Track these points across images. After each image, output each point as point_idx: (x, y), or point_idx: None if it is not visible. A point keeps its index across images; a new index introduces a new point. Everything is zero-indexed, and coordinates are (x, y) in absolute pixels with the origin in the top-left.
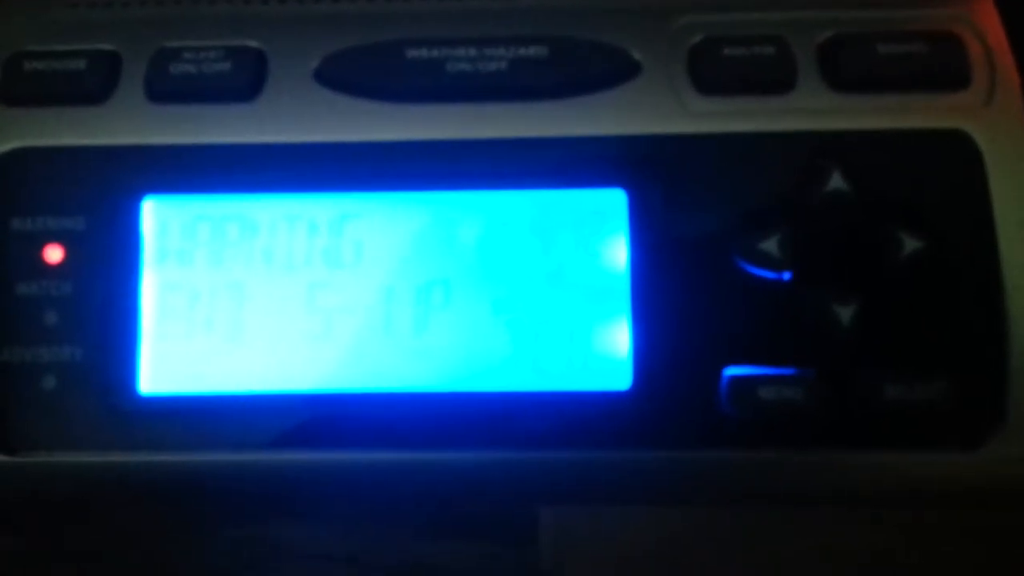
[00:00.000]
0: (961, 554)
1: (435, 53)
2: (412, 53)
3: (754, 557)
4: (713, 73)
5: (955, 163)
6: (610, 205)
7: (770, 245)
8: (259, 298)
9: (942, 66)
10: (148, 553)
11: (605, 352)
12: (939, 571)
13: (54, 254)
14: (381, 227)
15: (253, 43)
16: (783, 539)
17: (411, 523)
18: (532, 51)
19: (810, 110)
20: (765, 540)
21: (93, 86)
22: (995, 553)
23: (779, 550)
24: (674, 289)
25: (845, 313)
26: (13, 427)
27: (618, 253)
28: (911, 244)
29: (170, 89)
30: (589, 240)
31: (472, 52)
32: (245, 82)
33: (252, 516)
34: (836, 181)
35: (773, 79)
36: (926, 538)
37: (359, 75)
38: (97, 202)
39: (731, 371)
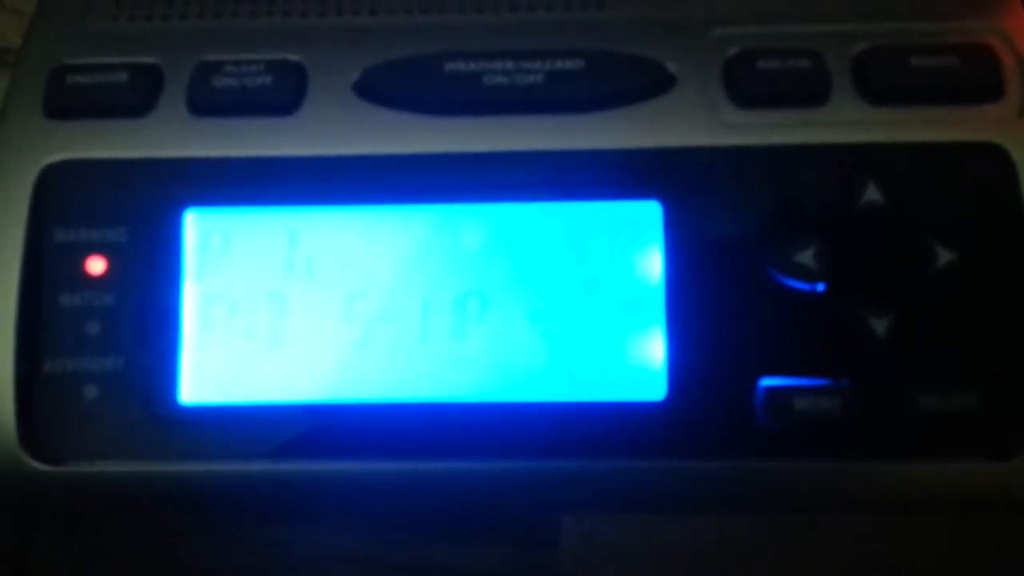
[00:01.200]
0: (992, 565)
1: (473, 66)
2: (450, 66)
3: (782, 567)
4: (748, 86)
5: (989, 175)
6: (645, 217)
7: (805, 257)
8: (299, 308)
9: (975, 79)
10: (170, 555)
11: (640, 363)
12: None
13: (97, 265)
14: (418, 238)
15: (294, 56)
16: (814, 548)
17: (434, 528)
18: (568, 64)
19: (845, 123)
20: (794, 549)
21: (135, 99)
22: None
23: (809, 560)
24: (709, 300)
25: (880, 324)
26: (56, 436)
27: (653, 264)
28: (945, 256)
29: (211, 102)
30: (624, 251)
31: (509, 65)
32: (286, 95)
33: (291, 523)
34: (871, 193)
35: (808, 92)
36: (958, 548)
37: (398, 88)
38: (139, 214)
39: (766, 382)
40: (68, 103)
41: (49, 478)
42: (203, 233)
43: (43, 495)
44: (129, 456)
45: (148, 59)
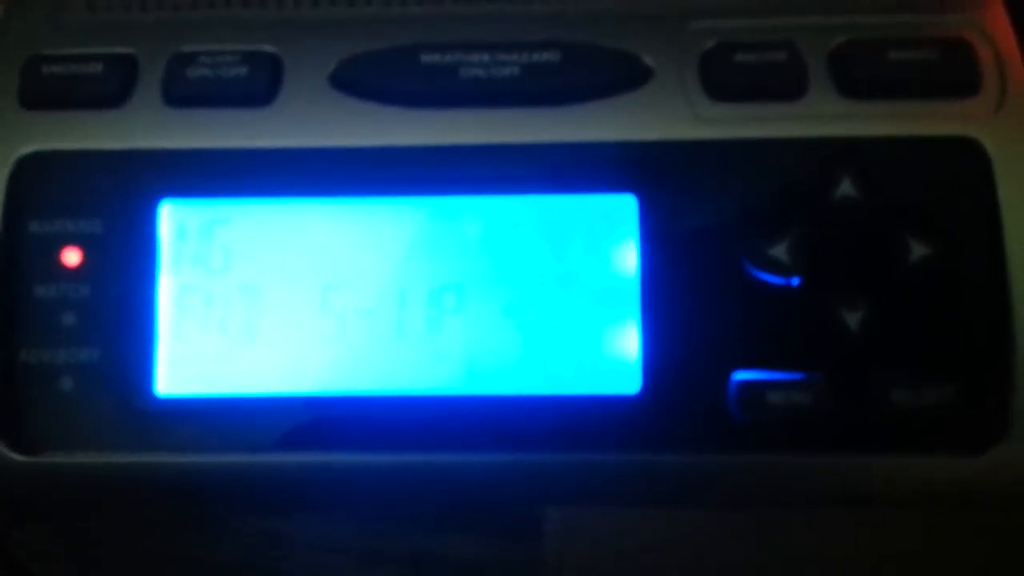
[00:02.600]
0: (966, 556)
1: (449, 58)
2: (426, 58)
3: (759, 559)
4: (724, 79)
5: (964, 170)
6: (621, 210)
7: (779, 251)
8: (274, 300)
9: (952, 73)
10: (160, 544)
11: (614, 356)
12: (944, 572)
13: (72, 257)
14: (393, 231)
15: (269, 47)
16: (789, 542)
17: (419, 518)
18: (544, 57)
19: (821, 116)
20: (770, 542)
21: (110, 90)
22: (999, 555)
23: (784, 552)
24: (683, 294)
25: (853, 318)
26: (31, 427)
27: (628, 258)
28: (920, 250)
29: (187, 93)
30: (599, 245)
31: (485, 58)
32: (261, 86)
33: (266, 515)
34: (846, 187)
35: (784, 85)
36: (932, 540)
37: (374, 80)
38: (114, 205)
39: (740, 375)
40: (43, 94)
41: (25, 468)
42: (178, 224)
43: (20, 485)
44: (105, 447)
45: (123, 50)
